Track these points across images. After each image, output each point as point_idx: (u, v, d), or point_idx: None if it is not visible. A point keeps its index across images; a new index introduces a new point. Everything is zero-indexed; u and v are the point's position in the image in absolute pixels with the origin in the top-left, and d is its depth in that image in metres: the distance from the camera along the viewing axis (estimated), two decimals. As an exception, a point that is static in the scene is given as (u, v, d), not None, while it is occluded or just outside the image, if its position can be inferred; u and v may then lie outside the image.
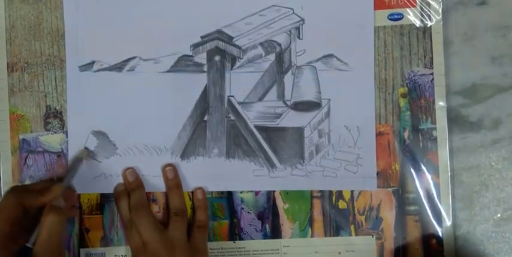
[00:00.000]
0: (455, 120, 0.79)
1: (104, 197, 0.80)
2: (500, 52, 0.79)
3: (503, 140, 0.79)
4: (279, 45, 0.78)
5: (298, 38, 0.78)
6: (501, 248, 0.78)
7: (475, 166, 0.79)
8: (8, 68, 0.80)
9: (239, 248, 0.79)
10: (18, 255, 0.67)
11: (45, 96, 0.80)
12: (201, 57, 0.78)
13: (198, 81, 0.78)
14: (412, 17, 0.78)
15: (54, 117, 0.80)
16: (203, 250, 0.77)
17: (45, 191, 0.72)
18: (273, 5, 0.78)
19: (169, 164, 0.78)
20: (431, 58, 0.78)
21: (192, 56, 0.78)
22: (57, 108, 0.80)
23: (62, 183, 0.74)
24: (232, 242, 0.80)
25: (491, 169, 0.79)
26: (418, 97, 0.78)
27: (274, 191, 0.79)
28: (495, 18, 0.79)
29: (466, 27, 0.79)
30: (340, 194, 0.79)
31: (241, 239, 0.80)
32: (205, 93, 0.78)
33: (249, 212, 0.79)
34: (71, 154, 0.79)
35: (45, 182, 0.75)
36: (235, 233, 0.80)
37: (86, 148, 0.79)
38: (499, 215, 0.79)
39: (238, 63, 0.78)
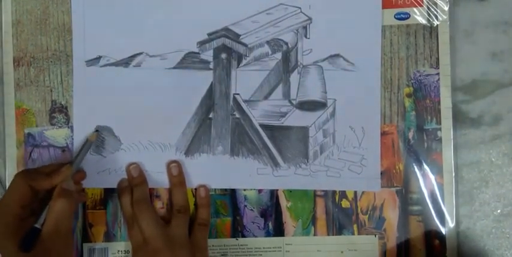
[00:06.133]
0: (455, 117, 0.78)
1: (108, 192, 0.80)
2: (500, 48, 0.79)
3: (503, 136, 0.79)
4: (286, 44, 0.78)
5: (305, 37, 0.78)
6: (501, 244, 0.79)
7: (475, 162, 0.79)
8: (14, 63, 0.80)
9: (241, 245, 0.80)
10: (27, 236, 0.68)
11: (51, 91, 0.80)
12: (208, 55, 0.78)
13: (204, 79, 0.78)
14: (418, 16, 0.78)
15: (60, 112, 0.80)
16: (203, 247, 0.77)
17: (54, 173, 0.72)
18: (281, 4, 0.78)
19: (174, 161, 0.78)
20: (438, 58, 0.78)
21: (198, 53, 0.78)
22: (62, 103, 0.80)
23: (71, 165, 0.74)
24: (234, 239, 0.80)
25: (492, 165, 0.79)
26: (423, 97, 0.78)
27: (277, 189, 0.79)
28: (495, 14, 0.79)
29: (467, 23, 0.79)
30: (343, 194, 0.79)
31: (243, 236, 0.80)
32: (210, 91, 0.78)
33: (252, 209, 0.80)
34: (76, 148, 0.79)
35: (54, 165, 0.75)
36: (238, 230, 0.80)
37: (97, 131, 0.79)
38: (499, 211, 0.79)
39: (244, 61, 0.78)
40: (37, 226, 0.69)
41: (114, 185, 0.79)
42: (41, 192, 0.72)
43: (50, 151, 0.80)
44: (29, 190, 0.70)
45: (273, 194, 0.80)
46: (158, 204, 0.80)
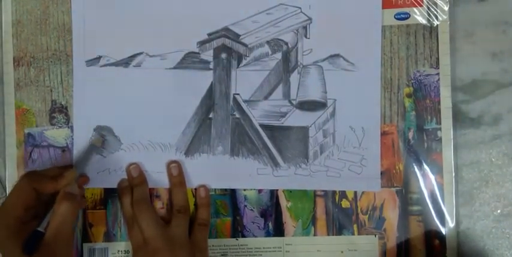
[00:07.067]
0: (455, 117, 0.78)
1: (108, 192, 0.80)
2: (500, 48, 0.79)
3: (503, 136, 0.79)
4: (286, 44, 0.78)
5: (305, 37, 0.78)
6: (501, 244, 0.79)
7: (475, 162, 0.79)
8: (14, 62, 0.80)
9: (241, 245, 0.80)
10: (29, 239, 0.68)
11: (51, 91, 0.80)
12: (208, 55, 0.78)
13: (204, 79, 0.78)
14: (418, 16, 0.78)
15: (60, 112, 0.80)
16: (203, 247, 0.77)
17: (59, 177, 0.72)
18: (281, 4, 0.78)
19: (174, 161, 0.78)
20: (438, 58, 0.78)
21: (198, 53, 0.78)
22: (62, 103, 0.80)
23: (75, 169, 0.74)
24: (234, 239, 0.80)
25: (492, 164, 0.79)
26: (423, 97, 0.78)
27: (277, 189, 0.79)
28: (495, 14, 0.79)
29: (467, 24, 0.79)
30: (343, 194, 0.79)
31: (243, 236, 0.80)
32: (210, 91, 0.78)
33: (252, 209, 0.80)
34: (76, 148, 0.79)
35: (59, 168, 0.76)
36: (237, 230, 0.80)
37: (102, 136, 0.79)
38: (499, 211, 0.79)
39: (244, 61, 0.78)
40: (40, 229, 0.69)
41: (114, 185, 0.79)
42: (44, 195, 0.72)
43: (50, 151, 0.80)
44: (33, 193, 0.70)
45: (273, 194, 0.80)
46: (158, 204, 0.80)
